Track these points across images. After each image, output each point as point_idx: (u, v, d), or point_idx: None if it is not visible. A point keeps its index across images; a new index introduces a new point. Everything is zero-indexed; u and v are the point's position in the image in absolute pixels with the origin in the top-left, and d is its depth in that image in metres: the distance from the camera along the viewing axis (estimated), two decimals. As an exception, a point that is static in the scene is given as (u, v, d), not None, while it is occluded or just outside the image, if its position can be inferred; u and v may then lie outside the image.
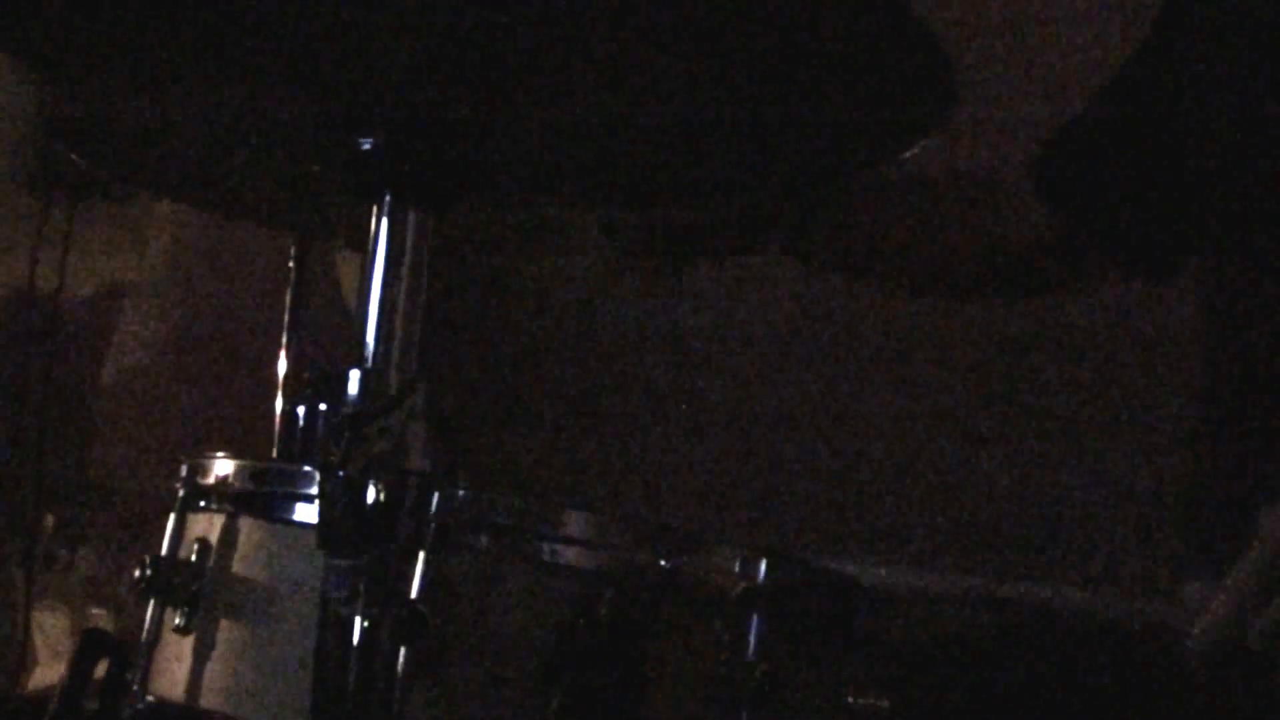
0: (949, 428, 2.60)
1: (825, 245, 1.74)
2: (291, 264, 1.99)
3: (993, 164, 2.26)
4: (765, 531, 2.66)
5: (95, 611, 2.69)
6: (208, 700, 1.13)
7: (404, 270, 1.14)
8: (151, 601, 1.18)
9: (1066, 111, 1.69)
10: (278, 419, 1.94)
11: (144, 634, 1.18)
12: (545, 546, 1.10)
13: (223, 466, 1.18)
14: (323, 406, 1.10)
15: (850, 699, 1.18)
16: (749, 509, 2.72)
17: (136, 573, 1.16)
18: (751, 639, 1.12)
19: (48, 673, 2.63)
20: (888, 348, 2.64)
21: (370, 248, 1.15)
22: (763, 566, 1.13)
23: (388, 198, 1.15)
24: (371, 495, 1.04)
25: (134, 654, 1.19)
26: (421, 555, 1.06)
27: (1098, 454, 2.51)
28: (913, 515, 2.60)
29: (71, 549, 2.78)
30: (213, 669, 1.13)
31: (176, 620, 1.16)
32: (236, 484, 1.17)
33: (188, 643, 1.15)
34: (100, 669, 1.23)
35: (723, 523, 2.68)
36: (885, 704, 1.19)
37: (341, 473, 1.04)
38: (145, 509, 2.57)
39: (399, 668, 1.04)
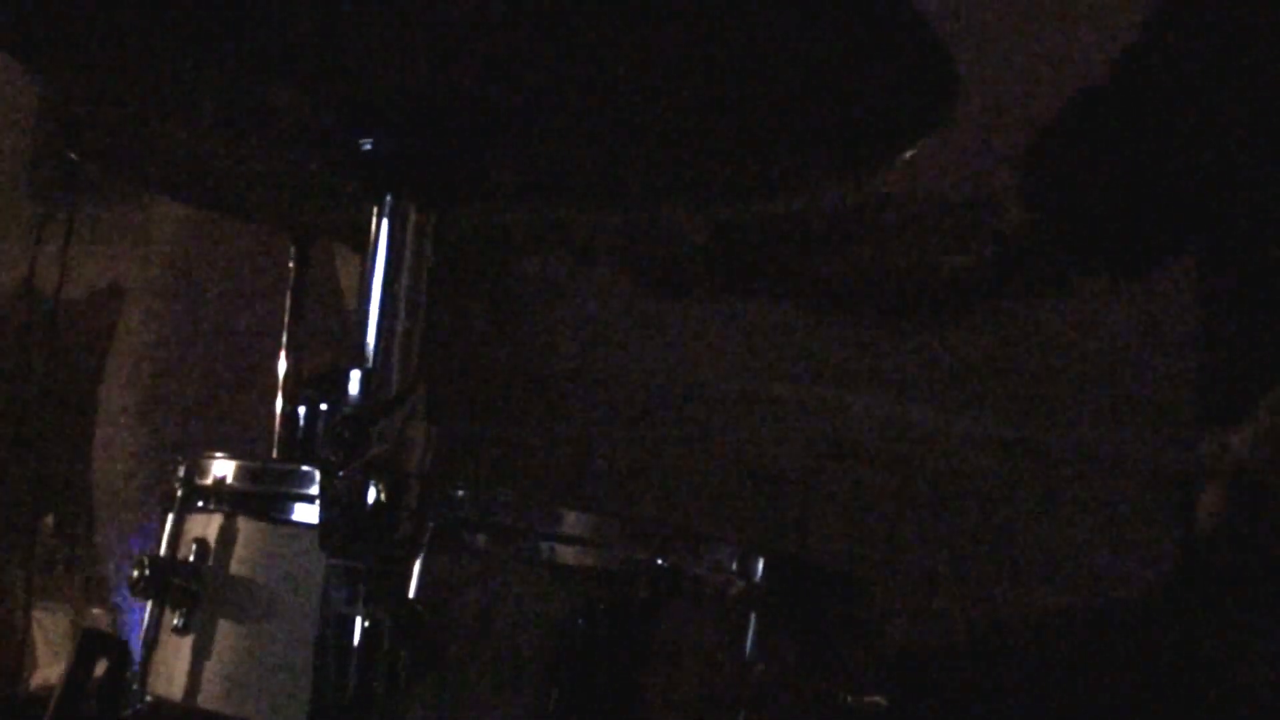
0: (950, 424, 2.60)
1: (814, 276, 1.74)
2: (291, 264, 1.99)
3: (986, 163, 2.26)
4: (766, 531, 2.67)
5: (95, 611, 2.69)
6: (206, 700, 1.13)
7: (404, 270, 1.14)
8: (150, 601, 1.18)
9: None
10: (278, 419, 1.94)
11: (143, 634, 1.18)
12: (544, 546, 1.10)
13: (221, 467, 1.18)
14: (323, 406, 1.10)
15: (849, 699, 1.18)
16: (749, 508, 2.72)
17: (136, 573, 1.16)
18: (750, 638, 1.12)
19: (48, 673, 2.63)
20: (887, 348, 2.64)
21: (370, 248, 1.15)
22: (760, 566, 1.13)
23: (388, 198, 1.15)
24: (371, 495, 1.04)
25: (133, 654, 1.20)
26: (421, 555, 1.06)
27: (1100, 447, 2.51)
28: (913, 514, 2.60)
29: (71, 549, 2.78)
30: (211, 669, 1.13)
31: (175, 620, 1.16)
32: (235, 484, 1.17)
33: (186, 643, 1.15)
34: (100, 669, 1.23)
35: (722, 523, 2.68)
36: (884, 704, 1.19)
37: (341, 473, 1.04)
38: (145, 509, 2.57)
39: (399, 668, 1.04)
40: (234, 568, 1.14)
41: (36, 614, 2.64)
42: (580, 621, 1.06)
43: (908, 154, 1.23)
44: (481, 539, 1.09)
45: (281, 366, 1.97)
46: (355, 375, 1.10)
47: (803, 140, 1.25)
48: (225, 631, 1.13)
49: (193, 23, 1.11)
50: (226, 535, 1.16)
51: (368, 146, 1.16)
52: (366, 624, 1.02)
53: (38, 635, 2.66)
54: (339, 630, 1.03)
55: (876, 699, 1.19)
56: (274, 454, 1.81)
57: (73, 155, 1.76)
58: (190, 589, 1.15)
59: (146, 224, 2.84)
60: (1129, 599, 1.63)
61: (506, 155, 1.25)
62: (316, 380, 1.11)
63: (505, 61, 1.11)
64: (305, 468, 1.12)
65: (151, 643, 1.18)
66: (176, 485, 1.22)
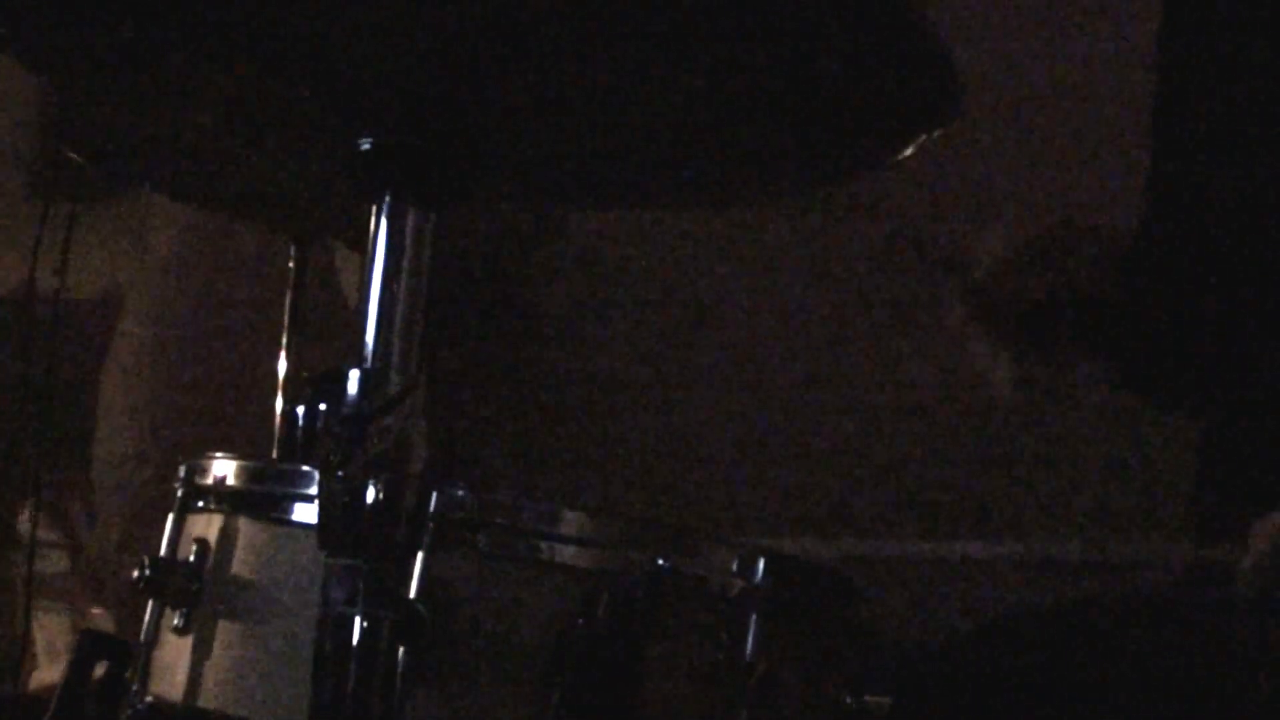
0: (949, 415, 2.61)
1: None
2: (291, 264, 1.99)
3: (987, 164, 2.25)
4: (766, 526, 2.67)
5: (95, 611, 2.69)
6: (206, 700, 1.13)
7: (404, 270, 1.14)
8: (150, 602, 1.18)
9: (1070, 111, 1.68)
10: (278, 419, 1.94)
11: (143, 634, 1.18)
12: (544, 546, 1.10)
13: (221, 467, 1.18)
14: (323, 406, 1.10)
15: (850, 699, 1.18)
16: (748, 507, 2.72)
17: (136, 573, 1.16)
18: (750, 639, 1.12)
19: (48, 673, 2.63)
20: (882, 348, 2.64)
21: (370, 248, 1.15)
22: (761, 566, 1.13)
23: (388, 198, 1.15)
24: (371, 495, 1.04)
25: (134, 654, 1.20)
26: (420, 555, 1.06)
27: (1109, 431, 2.51)
28: (914, 498, 2.61)
29: (71, 548, 2.78)
30: (212, 669, 1.13)
31: (175, 620, 1.16)
32: (235, 484, 1.17)
33: (186, 643, 1.15)
34: (100, 669, 1.23)
35: (721, 521, 2.68)
36: (885, 704, 1.19)
37: (341, 473, 1.04)
38: (145, 509, 2.57)
39: (398, 668, 1.04)
40: (234, 568, 1.14)
41: (36, 614, 2.64)
42: (579, 622, 1.06)
43: (907, 152, 1.23)
44: (481, 539, 1.09)
45: (281, 366, 1.98)
46: (355, 375, 1.10)
47: (803, 138, 1.25)
48: (225, 631, 1.13)
49: (192, 23, 1.11)
50: (226, 535, 1.16)
51: (367, 146, 1.16)
52: (366, 624, 1.02)
53: (38, 635, 2.66)
54: (339, 630, 1.03)
55: (877, 699, 1.19)
56: (274, 454, 1.82)
57: (73, 155, 1.77)
58: (190, 589, 1.15)
59: (146, 224, 2.84)
60: (1132, 597, 1.62)
61: (505, 155, 1.26)
62: (316, 380, 1.11)
63: (504, 61, 1.11)
64: (305, 468, 1.12)
65: (151, 643, 1.18)
66: (176, 485, 1.22)
